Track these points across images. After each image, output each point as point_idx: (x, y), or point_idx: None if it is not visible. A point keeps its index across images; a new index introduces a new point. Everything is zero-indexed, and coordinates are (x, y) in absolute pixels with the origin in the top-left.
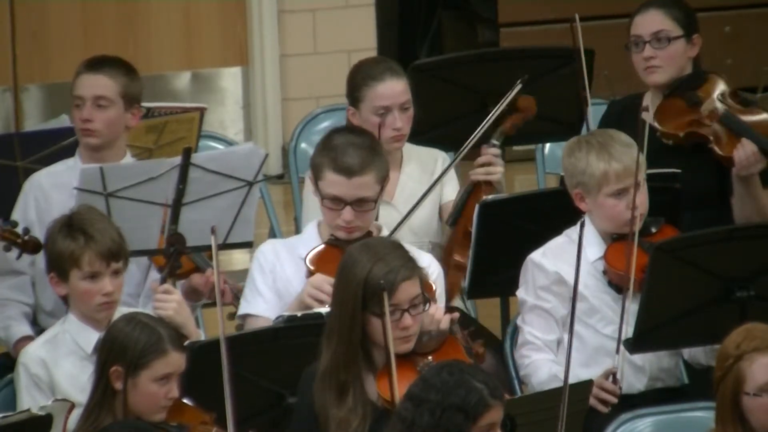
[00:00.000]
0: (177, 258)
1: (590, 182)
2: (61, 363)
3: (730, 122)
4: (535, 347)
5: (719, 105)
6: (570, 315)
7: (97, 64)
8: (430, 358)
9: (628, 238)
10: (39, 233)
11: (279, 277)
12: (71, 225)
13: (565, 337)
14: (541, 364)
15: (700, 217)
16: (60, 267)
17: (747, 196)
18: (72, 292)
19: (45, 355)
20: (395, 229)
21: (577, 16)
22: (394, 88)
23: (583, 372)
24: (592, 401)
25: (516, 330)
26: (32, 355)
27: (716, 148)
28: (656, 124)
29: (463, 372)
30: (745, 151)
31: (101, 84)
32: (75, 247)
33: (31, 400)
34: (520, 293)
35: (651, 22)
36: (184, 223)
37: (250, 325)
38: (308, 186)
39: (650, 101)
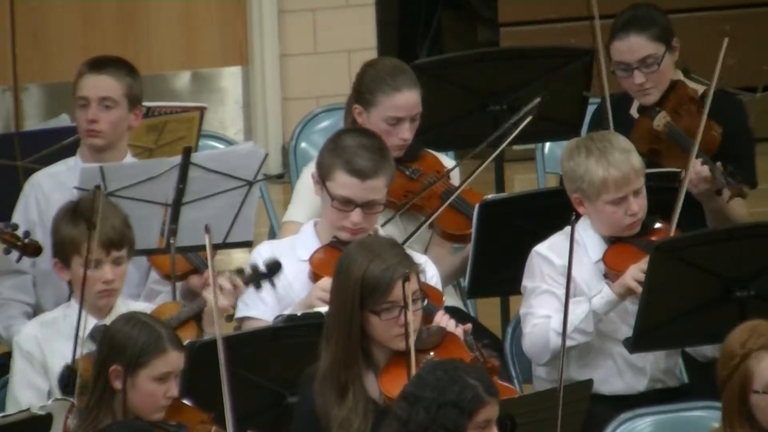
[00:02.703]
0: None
1: (589, 189)
2: (57, 345)
3: (674, 136)
4: (545, 320)
5: (663, 120)
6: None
7: (101, 65)
8: (431, 354)
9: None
10: (41, 234)
11: (279, 281)
12: (76, 211)
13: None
14: (547, 321)
15: (702, 213)
16: (63, 253)
17: (715, 213)
18: (74, 278)
19: (38, 334)
20: (415, 231)
21: (596, 13)
22: (410, 100)
23: (584, 373)
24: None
25: (516, 330)
26: (25, 333)
27: (662, 163)
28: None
29: (457, 369)
30: (692, 169)
31: (106, 85)
32: (76, 234)
33: (22, 377)
34: (527, 283)
35: (635, 48)
36: (184, 223)
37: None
38: (305, 182)
39: None
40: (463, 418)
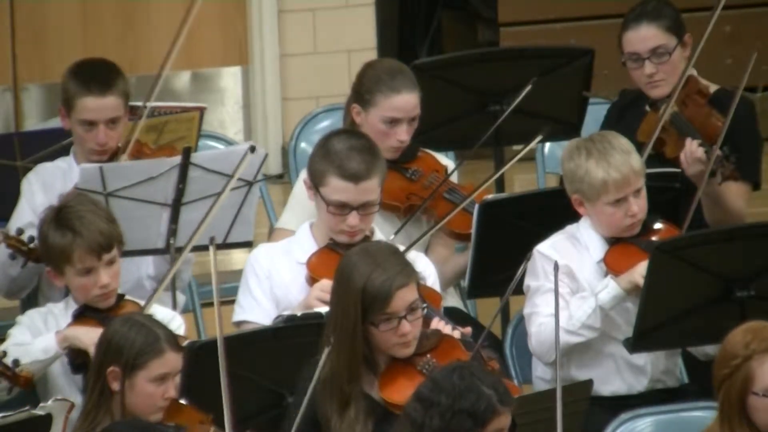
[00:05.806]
0: None
1: (589, 191)
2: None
3: (676, 123)
4: (551, 318)
5: (669, 108)
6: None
7: (100, 86)
8: (428, 356)
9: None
10: None
11: (276, 283)
12: (59, 219)
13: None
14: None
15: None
16: (54, 262)
17: (709, 198)
18: (69, 285)
19: (42, 314)
20: (421, 237)
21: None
22: (409, 102)
23: (584, 373)
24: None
25: (516, 331)
26: (30, 313)
27: (665, 151)
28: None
29: (473, 376)
30: (688, 148)
31: (113, 106)
32: (64, 244)
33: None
34: (531, 282)
35: (646, 38)
36: (184, 223)
37: None
38: (299, 189)
39: None
40: (476, 427)
